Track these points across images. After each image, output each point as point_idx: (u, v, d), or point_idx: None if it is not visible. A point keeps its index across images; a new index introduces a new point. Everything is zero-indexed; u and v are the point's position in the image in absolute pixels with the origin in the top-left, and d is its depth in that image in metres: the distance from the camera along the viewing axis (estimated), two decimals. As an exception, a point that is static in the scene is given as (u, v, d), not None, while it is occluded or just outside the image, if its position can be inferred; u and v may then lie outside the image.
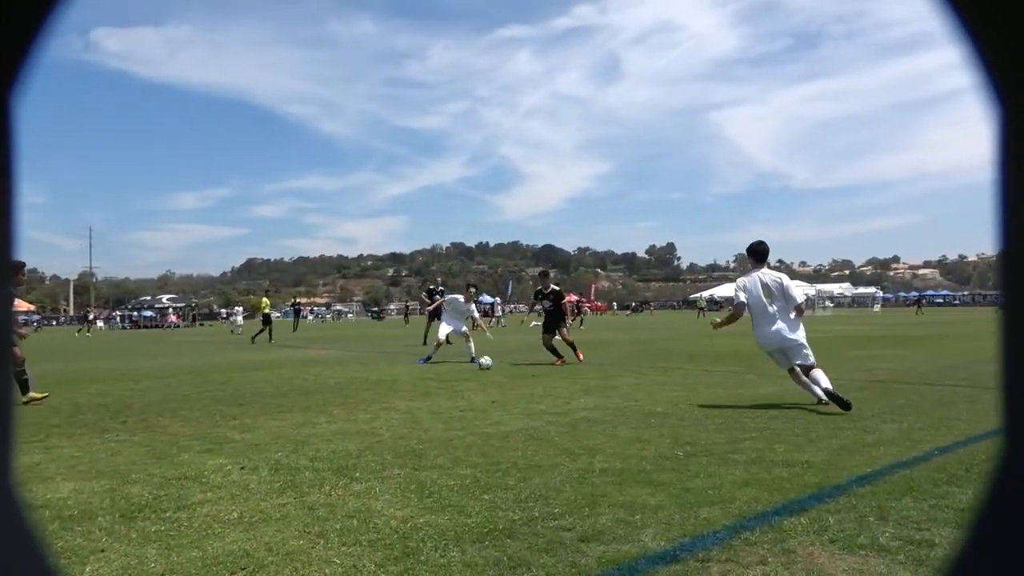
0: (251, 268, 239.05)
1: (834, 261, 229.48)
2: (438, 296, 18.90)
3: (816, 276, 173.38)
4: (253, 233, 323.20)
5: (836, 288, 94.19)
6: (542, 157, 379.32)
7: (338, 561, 2.94)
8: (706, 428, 5.74)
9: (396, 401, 7.80)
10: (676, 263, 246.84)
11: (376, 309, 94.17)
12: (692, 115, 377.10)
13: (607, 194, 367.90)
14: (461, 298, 13.81)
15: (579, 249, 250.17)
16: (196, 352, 19.45)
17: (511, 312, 61.04)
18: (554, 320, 12.77)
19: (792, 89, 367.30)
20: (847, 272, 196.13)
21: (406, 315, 54.59)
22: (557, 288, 13.09)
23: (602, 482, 4.10)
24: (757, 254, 7.22)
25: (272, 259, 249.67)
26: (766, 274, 7.03)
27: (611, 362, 11.49)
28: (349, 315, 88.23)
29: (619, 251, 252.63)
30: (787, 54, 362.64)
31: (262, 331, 23.79)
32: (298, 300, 44.00)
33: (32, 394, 8.31)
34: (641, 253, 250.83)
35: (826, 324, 29.26)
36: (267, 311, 24.96)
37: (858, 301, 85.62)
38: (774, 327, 6.84)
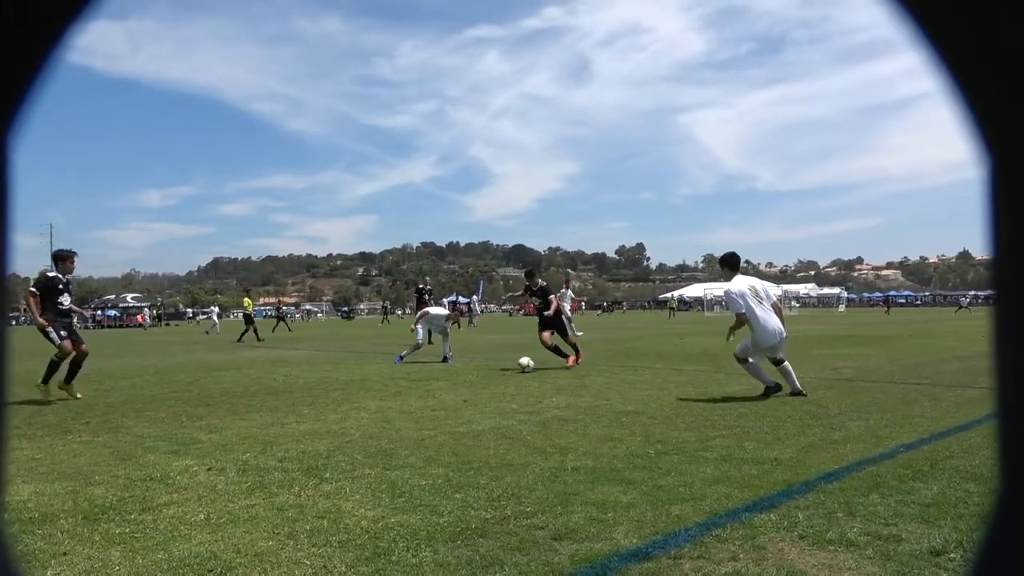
0: (218, 267, 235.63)
1: (800, 262, 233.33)
2: (427, 296, 18.88)
3: (783, 277, 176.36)
4: (220, 232, 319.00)
5: (802, 288, 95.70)
6: (512, 157, 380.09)
7: (308, 562, 2.90)
8: (677, 426, 5.78)
9: (367, 401, 7.73)
10: (646, 263, 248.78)
11: (346, 309, 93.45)
12: (660, 117, 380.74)
13: (577, 194, 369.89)
14: (443, 311, 13.78)
15: (550, 249, 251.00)
16: (162, 352, 19.11)
17: (483, 312, 60.88)
18: (547, 318, 11.92)
19: (757, 93, 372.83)
20: (812, 273, 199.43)
21: (386, 314, 54.26)
22: (544, 284, 12.42)
23: (574, 480, 4.10)
24: (732, 264, 7.83)
25: (240, 258, 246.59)
26: (746, 279, 7.61)
27: (583, 361, 11.52)
28: (319, 315, 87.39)
29: (589, 251, 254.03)
30: (752, 58, 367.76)
31: (247, 330, 23.81)
32: (282, 302, 43.43)
33: (52, 387, 8.32)
34: (611, 253, 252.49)
35: (792, 324, 29.69)
36: (250, 311, 25.18)
37: (823, 301, 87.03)
38: (771, 325, 7.33)
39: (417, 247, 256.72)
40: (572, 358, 11.34)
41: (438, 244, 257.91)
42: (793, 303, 64.87)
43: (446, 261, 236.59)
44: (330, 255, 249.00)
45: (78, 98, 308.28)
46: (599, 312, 75.64)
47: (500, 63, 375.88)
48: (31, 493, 4.10)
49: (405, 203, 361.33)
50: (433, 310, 13.82)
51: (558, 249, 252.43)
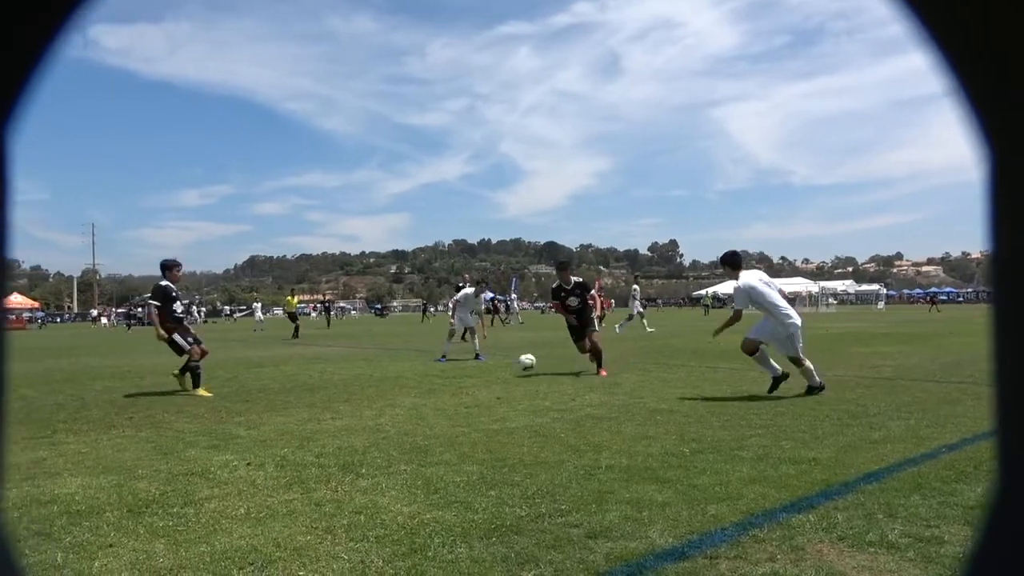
0: (254, 265, 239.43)
1: (837, 258, 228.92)
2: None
3: (819, 273, 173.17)
4: (256, 230, 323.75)
5: (839, 285, 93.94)
6: (543, 154, 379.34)
7: (346, 557, 2.94)
8: (711, 425, 5.73)
9: (401, 397, 7.80)
10: (679, 260, 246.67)
11: (380, 306, 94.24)
12: (693, 111, 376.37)
13: (608, 191, 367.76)
14: (471, 290, 13.82)
15: (581, 246, 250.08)
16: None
17: (523, 308, 60.61)
18: (585, 321, 10.10)
19: (792, 85, 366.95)
20: (850, 269, 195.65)
21: (425, 311, 54.59)
22: (580, 280, 10.42)
23: (609, 479, 4.09)
24: (734, 263, 7.66)
25: (275, 256, 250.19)
26: (755, 273, 7.62)
27: (615, 359, 11.47)
28: (353, 312, 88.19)
29: (621, 248, 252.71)
30: (787, 50, 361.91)
31: (296, 327, 25.12)
32: (328, 298, 44.33)
33: (201, 390, 8.52)
34: (643, 250, 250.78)
35: (829, 321, 29.20)
36: (294, 309, 27.01)
37: (862, 298, 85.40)
38: (792, 315, 7.32)
39: (449, 244, 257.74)
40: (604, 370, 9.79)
41: (470, 241, 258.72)
42: (830, 300, 63.76)
43: (478, 258, 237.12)
44: (363, 253, 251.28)
45: (117, 100, 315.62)
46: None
47: (530, 59, 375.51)
48: (78, 486, 4.22)
49: (437, 200, 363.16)
50: (461, 293, 13.75)
51: (590, 246, 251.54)
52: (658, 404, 6.91)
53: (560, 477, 4.15)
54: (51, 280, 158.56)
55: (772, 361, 7.42)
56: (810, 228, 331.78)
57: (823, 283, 77.75)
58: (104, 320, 63.97)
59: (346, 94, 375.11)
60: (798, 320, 7.34)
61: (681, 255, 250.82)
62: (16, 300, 73.96)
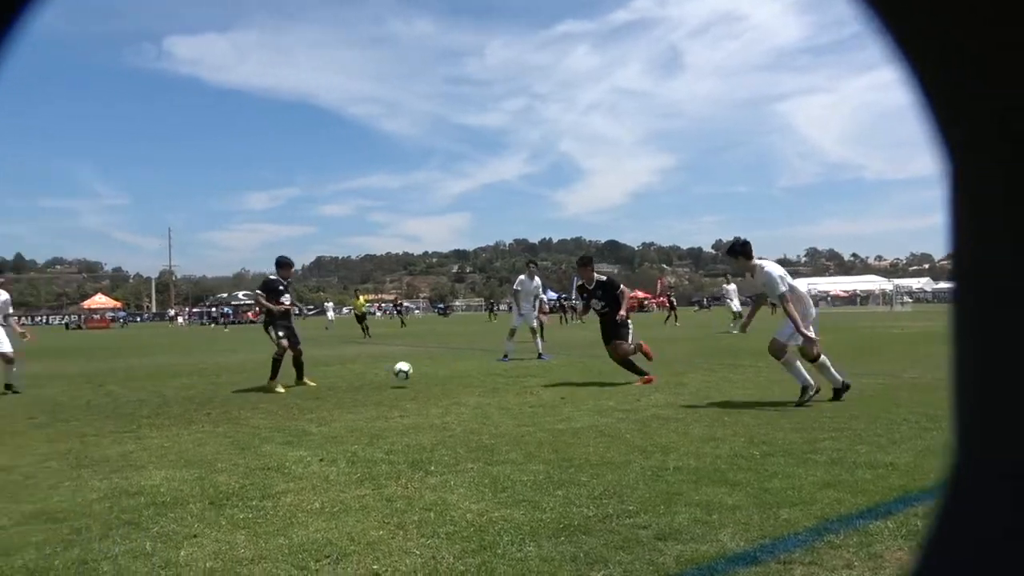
0: (320, 265, 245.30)
1: (912, 255, 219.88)
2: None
3: (893, 271, 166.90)
4: (321, 231, 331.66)
5: (915, 283, 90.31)
6: (602, 152, 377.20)
7: (417, 552, 3.00)
8: (782, 427, 5.60)
9: (466, 396, 7.89)
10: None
11: (442, 305, 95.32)
12: (756, 106, 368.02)
13: (670, 188, 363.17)
14: (523, 275, 13.57)
15: (643, 244, 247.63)
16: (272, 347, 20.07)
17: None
18: (612, 324, 8.89)
19: (862, 77, 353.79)
20: (927, 266, 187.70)
21: (491, 310, 55.00)
22: (603, 279, 9.24)
23: (677, 480, 4.06)
24: (747, 253, 7.16)
25: (340, 256, 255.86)
26: (768, 263, 7.12)
27: (680, 359, 11.33)
28: (416, 311, 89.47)
29: (684, 246, 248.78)
30: (856, 41, 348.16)
31: (366, 327, 26.11)
32: (399, 299, 45.61)
33: (277, 386, 8.93)
34: (707, 248, 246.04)
35: (905, 320, 28.08)
36: (363, 310, 28.28)
37: (939, 297, 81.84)
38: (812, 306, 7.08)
39: (510, 244, 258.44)
40: (647, 378, 8.58)
41: (530, 241, 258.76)
42: (905, 298, 61.38)
43: (539, 258, 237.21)
44: (426, 253, 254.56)
45: (189, 108, 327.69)
46: (696, 308, 73.93)
47: (589, 57, 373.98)
48: (162, 479, 4.43)
49: (497, 200, 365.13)
50: (517, 280, 13.54)
51: (652, 244, 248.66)
52: (725, 405, 6.80)
53: (627, 478, 4.13)
54: (131, 281, 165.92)
55: (802, 369, 6.82)
56: (883, 224, 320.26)
57: (897, 281, 74.92)
58: (180, 320, 66.61)
59: (408, 96, 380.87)
60: (812, 314, 7.01)
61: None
62: (100, 301, 77.87)
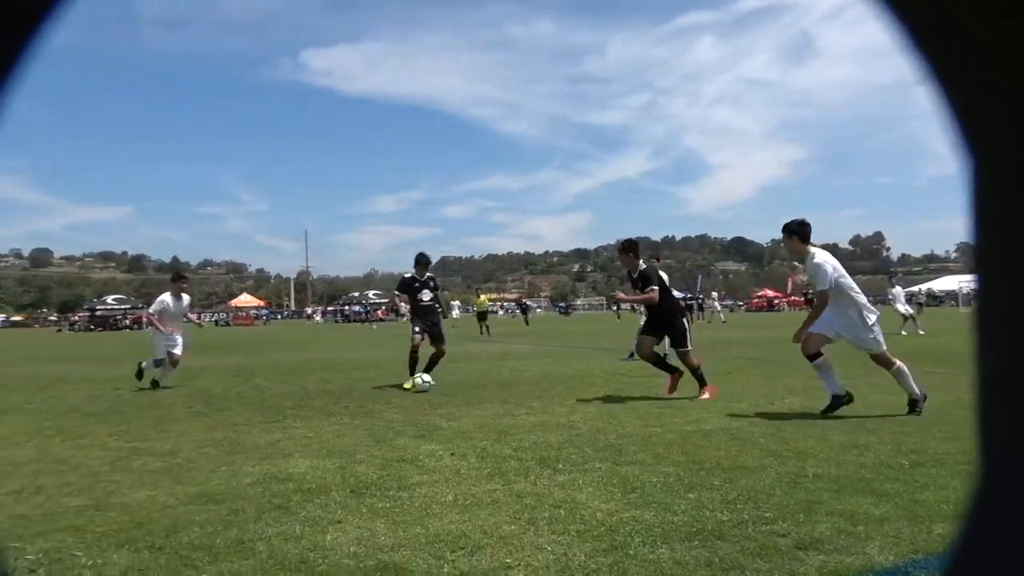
0: (444, 266, 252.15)
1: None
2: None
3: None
4: (445, 232, 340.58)
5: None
6: (729, 145, 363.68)
7: (549, 548, 3.03)
8: (933, 436, 5.22)
9: (591, 395, 7.88)
10: (885, 254, 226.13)
11: (564, 304, 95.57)
12: (898, 91, 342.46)
13: (802, 181, 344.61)
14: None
15: (773, 241, 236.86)
16: (401, 345, 20.89)
17: (725, 307, 57.90)
18: (659, 318, 8.01)
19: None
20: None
21: (617, 309, 54.76)
22: (644, 268, 8.06)
23: (817, 488, 3.87)
24: (804, 235, 6.63)
25: (463, 257, 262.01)
26: (821, 252, 6.54)
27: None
28: (538, 310, 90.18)
29: (819, 242, 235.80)
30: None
31: (486, 326, 26.75)
32: (522, 298, 46.62)
33: (408, 382, 9.04)
34: (844, 244, 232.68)
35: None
36: (485, 308, 29.13)
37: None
38: (872, 307, 6.44)
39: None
40: (675, 377, 7.81)
41: (653, 238, 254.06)
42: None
43: (662, 256, 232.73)
44: (547, 252, 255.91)
45: (322, 117, 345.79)
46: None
47: (714, 49, 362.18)
48: (307, 467, 4.71)
49: (619, 198, 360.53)
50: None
51: (782, 241, 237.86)
52: (868, 410, 6.40)
53: (762, 483, 3.99)
54: (272, 281, 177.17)
55: (836, 376, 6.33)
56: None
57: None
58: (317, 318, 70.51)
59: (528, 97, 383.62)
60: (877, 312, 6.35)
61: (888, 248, 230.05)
62: (245, 299, 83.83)
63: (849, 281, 6.42)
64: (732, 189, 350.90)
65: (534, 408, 7.05)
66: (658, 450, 4.92)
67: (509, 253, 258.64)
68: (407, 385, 9.00)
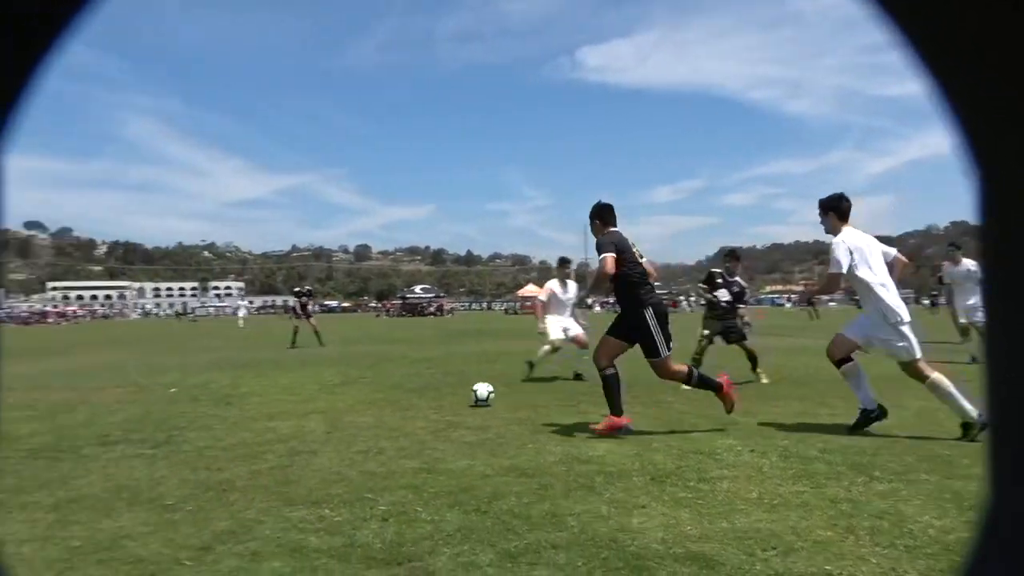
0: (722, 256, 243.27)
1: None
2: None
3: None
4: (724, 222, 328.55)
5: None
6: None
7: (874, 561, 2.80)
8: None
9: (907, 399, 7.04)
10: None
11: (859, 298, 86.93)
12: None
13: None
14: (946, 262, 11.26)
15: None
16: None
17: None
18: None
19: None
20: None
21: (932, 302, 49.01)
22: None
23: None
24: (841, 211, 5.66)
25: (744, 246, 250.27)
26: (859, 234, 5.59)
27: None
28: (831, 303, 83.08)
29: None
30: None
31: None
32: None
33: (759, 372, 8.96)
34: None
35: None
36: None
37: None
38: (893, 300, 5.35)
39: (945, 227, 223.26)
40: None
41: (971, 223, 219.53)
42: None
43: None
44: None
45: (598, 112, 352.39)
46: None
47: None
48: (605, 450, 4.88)
49: (929, 178, 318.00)
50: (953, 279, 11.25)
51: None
52: None
53: None
54: (554, 273, 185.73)
55: (868, 386, 5.50)
56: None
57: None
58: (597, 307, 72.49)
59: (813, 73, 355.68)
60: (907, 315, 5.29)
61: None
62: (530, 290, 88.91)
63: (873, 274, 5.37)
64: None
65: (837, 409, 6.52)
66: (1000, 466, 4.27)
67: (796, 242, 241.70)
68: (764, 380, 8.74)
